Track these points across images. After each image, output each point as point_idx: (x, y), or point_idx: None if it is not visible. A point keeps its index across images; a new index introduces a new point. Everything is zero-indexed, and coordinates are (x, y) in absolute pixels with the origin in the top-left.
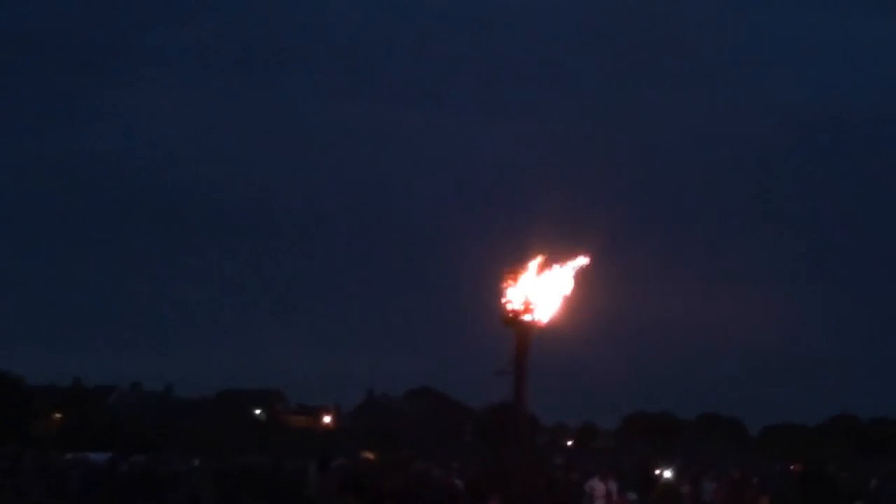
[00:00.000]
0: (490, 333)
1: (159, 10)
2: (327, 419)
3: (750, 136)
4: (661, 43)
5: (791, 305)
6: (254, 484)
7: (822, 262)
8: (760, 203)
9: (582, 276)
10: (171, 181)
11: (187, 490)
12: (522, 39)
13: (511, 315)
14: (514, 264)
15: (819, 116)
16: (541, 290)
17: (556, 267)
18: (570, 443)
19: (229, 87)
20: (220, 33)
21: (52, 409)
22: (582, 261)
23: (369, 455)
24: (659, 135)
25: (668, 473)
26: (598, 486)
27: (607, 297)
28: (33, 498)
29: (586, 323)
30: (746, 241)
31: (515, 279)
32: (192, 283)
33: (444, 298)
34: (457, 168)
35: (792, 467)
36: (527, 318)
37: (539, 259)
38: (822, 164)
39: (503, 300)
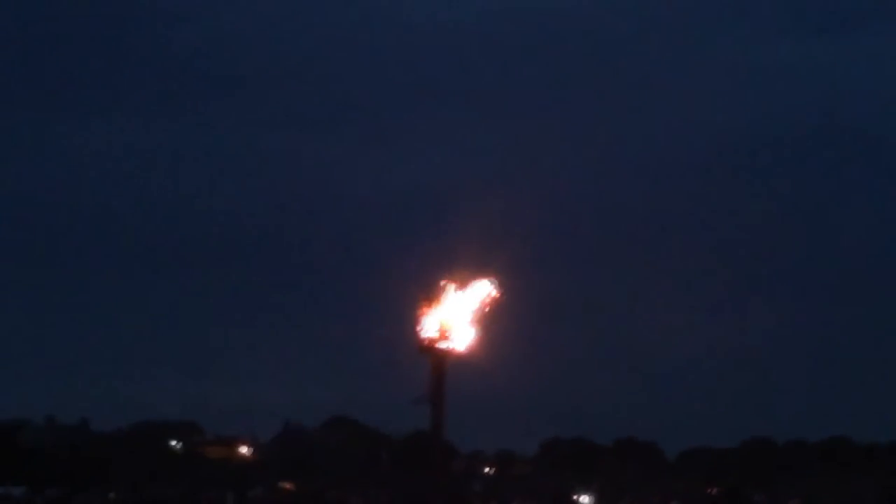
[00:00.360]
0: (406, 362)
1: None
2: (244, 450)
3: (688, 158)
4: (593, 60)
5: (707, 329)
6: None
7: (738, 286)
8: (678, 226)
9: (495, 303)
10: (79, 211)
11: None
12: (444, 65)
13: (426, 343)
14: (429, 292)
15: (764, 136)
16: (456, 318)
17: (469, 292)
18: (487, 470)
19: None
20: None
21: None
22: (493, 286)
23: (287, 485)
24: (586, 160)
25: (585, 499)
26: None
27: (522, 323)
28: None
29: (502, 350)
30: (659, 263)
31: (430, 307)
32: (105, 315)
33: (360, 327)
34: (372, 198)
35: (709, 491)
36: (442, 345)
37: (452, 285)
38: (758, 185)
39: (418, 328)
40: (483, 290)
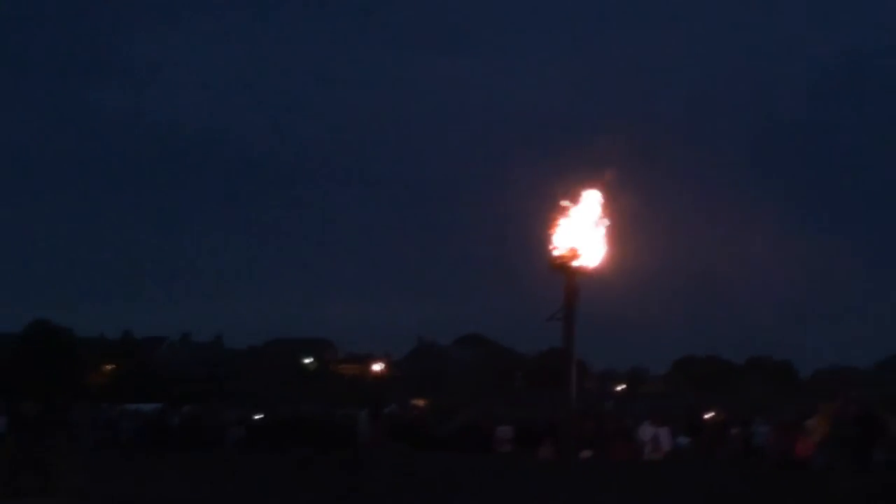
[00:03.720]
0: (539, 279)
1: None
2: (377, 367)
3: (785, 73)
4: None
5: (842, 248)
6: (305, 432)
7: (874, 204)
8: (808, 148)
9: (629, 219)
10: (208, 135)
11: (237, 439)
12: None
13: (559, 260)
14: (561, 208)
15: (842, 55)
16: (588, 234)
17: (601, 208)
18: (619, 388)
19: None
20: None
21: (102, 361)
22: (626, 202)
23: (419, 402)
24: (691, 75)
25: (718, 417)
26: (648, 431)
27: (655, 240)
28: (84, 449)
29: (635, 267)
30: (797, 184)
31: (562, 223)
32: (240, 233)
33: (492, 245)
34: (504, 113)
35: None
36: (575, 263)
37: (583, 201)
38: (862, 107)
39: (551, 246)
40: (615, 206)
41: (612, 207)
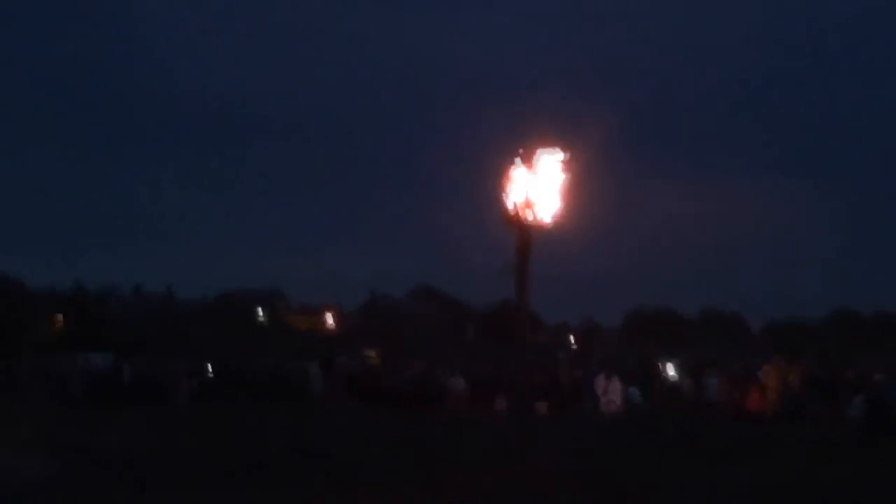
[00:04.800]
0: (492, 232)
1: None
2: (329, 319)
3: (748, 26)
4: None
5: (793, 202)
6: (256, 384)
7: (825, 157)
8: (762, 97)
9: (582, 173)
10: (162, 87)
11: (189, 391)
12: None
13: (512, 214)
14: (514, 161)
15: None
16: (542, 188)
17: (555, 162)
18: (572, 341)
19: None
20: None
21: (52, 313)
22: (579, 155)
23: (371, 355)
24: (656, 25)
25: (670, 370)
26: (601, 383)
27: (609, 194)
28: (34, 401)
29: (588, 221)
30: (747, 136)
31: (516, 177)
32: (193, 185)
33: (446, 197)
34: (455, 64)
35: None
36: (528, 216)
37: (537, 156)
38: (829, 55)
39: (505, 198)
40: (569, 161)
41: (570, 163)
